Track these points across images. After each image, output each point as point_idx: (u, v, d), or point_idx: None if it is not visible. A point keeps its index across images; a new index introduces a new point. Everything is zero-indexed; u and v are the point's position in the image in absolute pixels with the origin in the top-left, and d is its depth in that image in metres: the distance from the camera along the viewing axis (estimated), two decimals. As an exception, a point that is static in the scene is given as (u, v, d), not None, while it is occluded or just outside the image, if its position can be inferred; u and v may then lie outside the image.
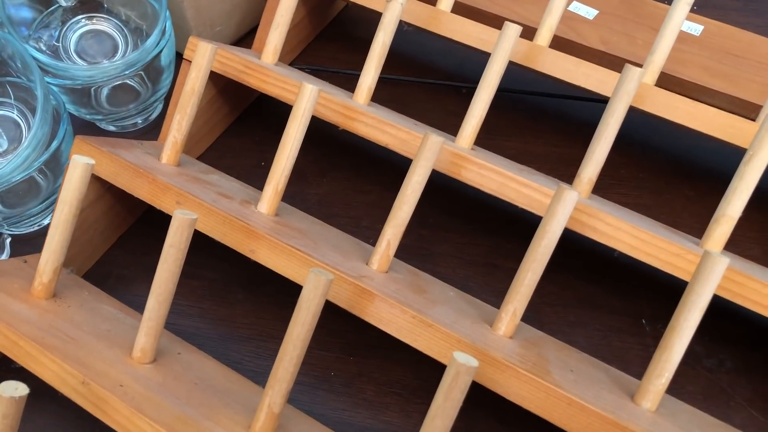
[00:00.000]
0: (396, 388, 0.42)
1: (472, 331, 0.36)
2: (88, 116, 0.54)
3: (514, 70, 0.49)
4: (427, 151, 0.38)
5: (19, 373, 0.37)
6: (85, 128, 0.56)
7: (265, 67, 0.47)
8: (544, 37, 0.49)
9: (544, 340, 0.39)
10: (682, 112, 0.45)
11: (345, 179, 0.53)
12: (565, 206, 0.35)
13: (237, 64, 0.47)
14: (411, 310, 0.35)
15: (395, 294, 0.37)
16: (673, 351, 0.33)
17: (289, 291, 0.37)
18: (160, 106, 0.57)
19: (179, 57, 0.49)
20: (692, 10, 0.62)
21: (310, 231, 0.42)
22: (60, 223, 0.38)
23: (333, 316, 0.37)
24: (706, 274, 0.32)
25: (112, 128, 0.56)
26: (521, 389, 0.33)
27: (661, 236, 0.38)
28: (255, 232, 0.38)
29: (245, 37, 0.63)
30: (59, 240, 0.39)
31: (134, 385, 0.35)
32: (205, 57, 0.43)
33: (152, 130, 0.56)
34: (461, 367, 0.29)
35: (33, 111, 0.44)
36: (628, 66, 0.41)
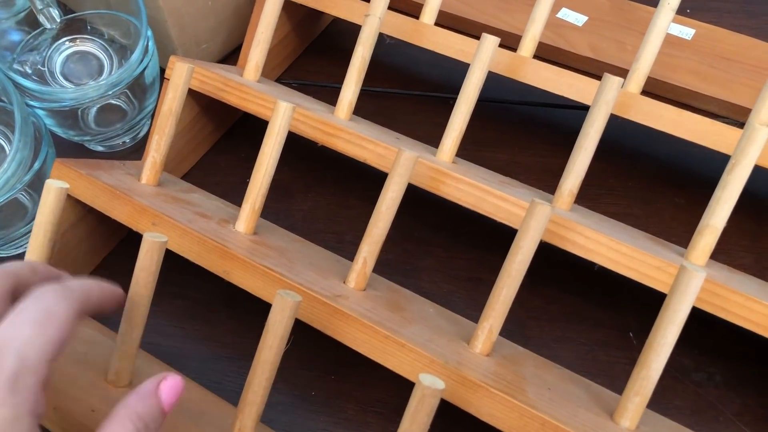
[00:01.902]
0: (377, 406, 0.42)
1: (447, 349, 0.35)
2: (76, 138, 0.54)
3: (502, 80, 0.48)
4: (401, 167, 0.37)
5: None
6: (73, 149, 0.56)
7: (244, 85, 0.47)
8: (527, 47, 0.48)
9: (523, 356, 0.38)
10: (667, 121, 0.44)
11: (330, 194, 0.52)
12: (538, 221, 0.34)
13: (216, 83, 0.47)
14: (383, 329, 0.35)
15: (369, 313, 0.36)
16: (651, 368, 0.33)
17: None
18: (148, 124, 0.57)
19: (165, 74, 0.49)
20: (685, 14, 0.61)
21: (288, 249, 0.42)
22: (36, 248, 0.38)
23: (313, 334, 0.37)
24: (683, 288, 0.31)
25: (100, 148, 0.56)
26: (494, 409, 0.33)
27: (641, 249, 0.37)
28: (228, 252, 0.38)
29: (233, 53, 0.63)
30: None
31: (107, 409, 0.34)
32: (182, 77, 0.43)
33: (140, 149, 0.57)
34: (426, 390, 0.29)
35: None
36: (606, 75, 0.40)
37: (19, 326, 0.27)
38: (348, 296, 0.38)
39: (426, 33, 0.50)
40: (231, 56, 0.62)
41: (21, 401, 0.25)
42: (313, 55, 0.62)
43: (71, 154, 0.56)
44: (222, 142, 0.56)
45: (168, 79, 0.48)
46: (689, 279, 0.31)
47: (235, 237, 0.40)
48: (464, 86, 0.44)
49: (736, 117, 0.54)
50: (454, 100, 0.44)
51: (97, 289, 0.32)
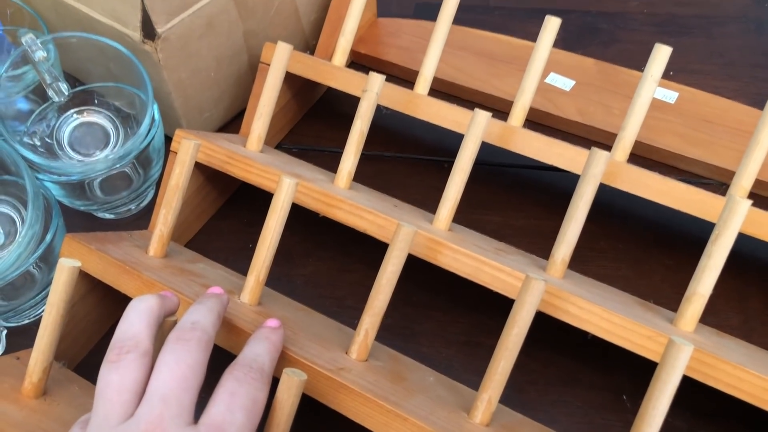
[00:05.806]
0: (380, 473, 0.43)
1: (448, 421, 0.36)
2: (82, 207, 0.55)
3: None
4: (400, 242, 0.39)
5: (8, 476, 0.38)
6: (81, 217, 0.57)
7: (248, 158, 0.49)
8: (518, 116, 0.50)
9: (521, 424, 0.40)
10: (653, 190, 0.46)
11: (330, 258, 0.54)
12: (533, 296, 0.36)
13: (221, 155, 0.49)
14: (387, 404, 0.36)
15: (372, 386, 0.37)
16: (645, 437, 0.34)
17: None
18: (152, 191, 0.59)
19: (169, 141, 0.51)
20: (668, 76, 0.63)
21: (291, 319, 0.43)
22: (48, 325, 0.40)
23: (315, 405, 0.38)
24: (672, 361, 0.33)
25: (108, 216, 0.58)
26: (495, 482, 0.34)
27: (632, 318, 0.39)
28: (235, 326, 0.40)
29: (236, 118, 0.65)
30: (48, 341, 0.40)
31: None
32: (188, 153, 0.45)
33: (146, 215, 0.58)
34: (429, 468, 0.30)
35: (25, 204, 0.46)
36: (594, 150, 0.42)
37: (236, 411, 0.31)
38: (351, 368, 0.39)
39: (421, 104, 0.52)
40: (233, 121, 0.64)
41: None
42: (311, 120, 0.64)
43: (78, 221, 0.57)
44: (224, 208, 0.58)
45: (174, 152, 0.50)
46: (677, 352, 0.33)
47: (240, 309, 0.42)
48: (458, 158, 0.46)
49: (720, 178, 0.56)
50: (449, 163, 0.46)
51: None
